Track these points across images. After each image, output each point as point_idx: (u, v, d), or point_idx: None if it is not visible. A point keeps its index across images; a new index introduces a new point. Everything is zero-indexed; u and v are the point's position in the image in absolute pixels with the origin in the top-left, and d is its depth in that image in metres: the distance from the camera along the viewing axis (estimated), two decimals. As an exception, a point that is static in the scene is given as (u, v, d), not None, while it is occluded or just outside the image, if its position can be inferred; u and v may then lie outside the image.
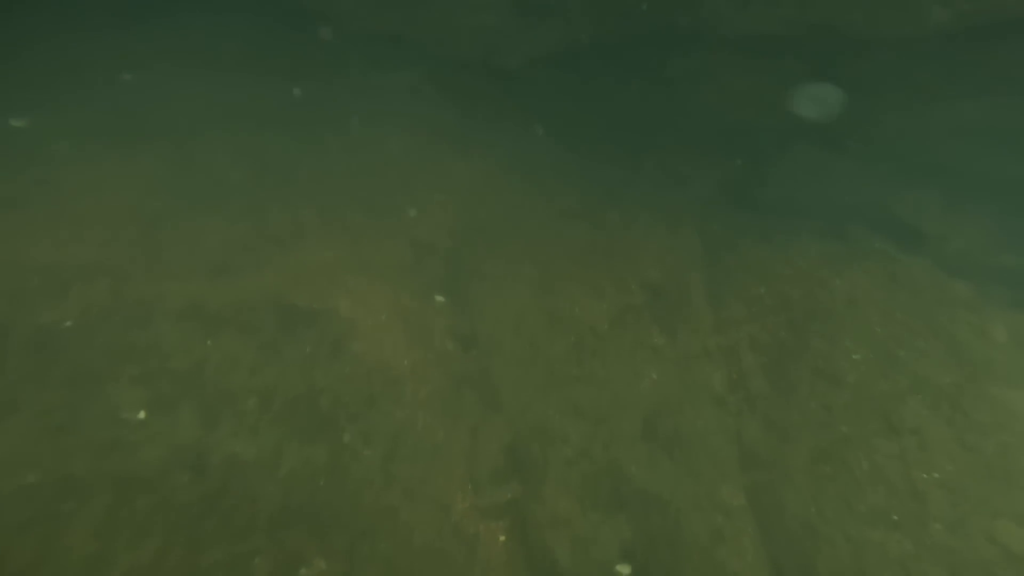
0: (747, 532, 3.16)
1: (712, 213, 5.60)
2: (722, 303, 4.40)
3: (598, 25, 5.49)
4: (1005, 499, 3.17)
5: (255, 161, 5.80)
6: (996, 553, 2.95)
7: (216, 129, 6.11)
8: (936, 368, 3.84)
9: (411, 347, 3.69)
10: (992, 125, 5.40)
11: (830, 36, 4.99)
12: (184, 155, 5.68)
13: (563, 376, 3.79)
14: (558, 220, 5.36)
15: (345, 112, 6.70)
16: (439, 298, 4.40)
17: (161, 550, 2.18)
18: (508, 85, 6.74)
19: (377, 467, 2.80)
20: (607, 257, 4.91)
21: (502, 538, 2.82)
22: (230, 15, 7.26)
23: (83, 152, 5.42)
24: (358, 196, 5.49)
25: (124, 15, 6.72)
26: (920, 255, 5.02)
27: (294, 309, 3.74)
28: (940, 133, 5.70)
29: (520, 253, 4.92)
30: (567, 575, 2.76)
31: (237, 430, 2.73)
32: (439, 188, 5.74)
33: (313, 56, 7.21)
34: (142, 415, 2.71)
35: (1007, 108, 5.20)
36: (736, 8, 4.92)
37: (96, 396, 2.76)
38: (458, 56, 6.19)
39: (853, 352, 3.99)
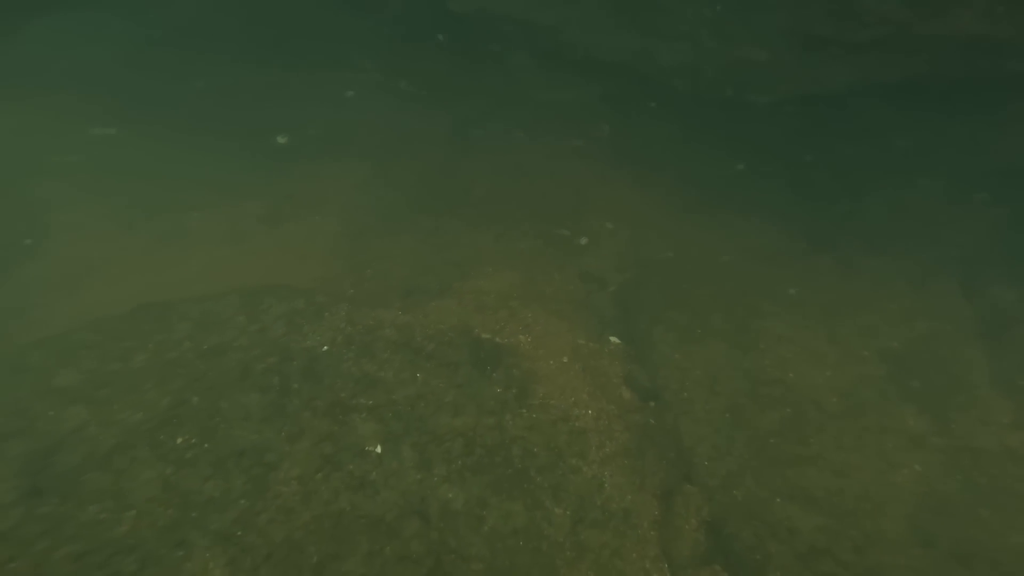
0: None
1: (986, 270, 4.46)
2: (1026, 392, 3.46)
3: (891, 66, 4.41)
4: None
5: (434, 179, 6.21)
6: None
7: (405, 146, 6.73)
8: None
9: (593, 396, 3.80)
10: None
11: None
12: (382, 171, 6.41)
13: (779, 453, 3.45)
14: (748, 262, 4.81)
15: (517, 130, 6.82)
16: (614, 339, 4.47)
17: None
18: (735, 119, 5.93)
19: (568, 530, 3.00)
20: (824, 314, 4.20)
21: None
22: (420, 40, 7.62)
23: (313, 166, 6.44)
24: (528, 218, 5.51)
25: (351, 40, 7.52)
26: None
27: (481, 343, 4.05)
28: None
29: (705, 297, 4.67)
30: None
31: (448, 475, 3.25)
32: (610, 215, 5.62)
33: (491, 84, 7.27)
34: (379, 449, 3.39)
35: None
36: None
37: (347, 425, 3.52)
38: (693, 86, 5.43)
39: None
